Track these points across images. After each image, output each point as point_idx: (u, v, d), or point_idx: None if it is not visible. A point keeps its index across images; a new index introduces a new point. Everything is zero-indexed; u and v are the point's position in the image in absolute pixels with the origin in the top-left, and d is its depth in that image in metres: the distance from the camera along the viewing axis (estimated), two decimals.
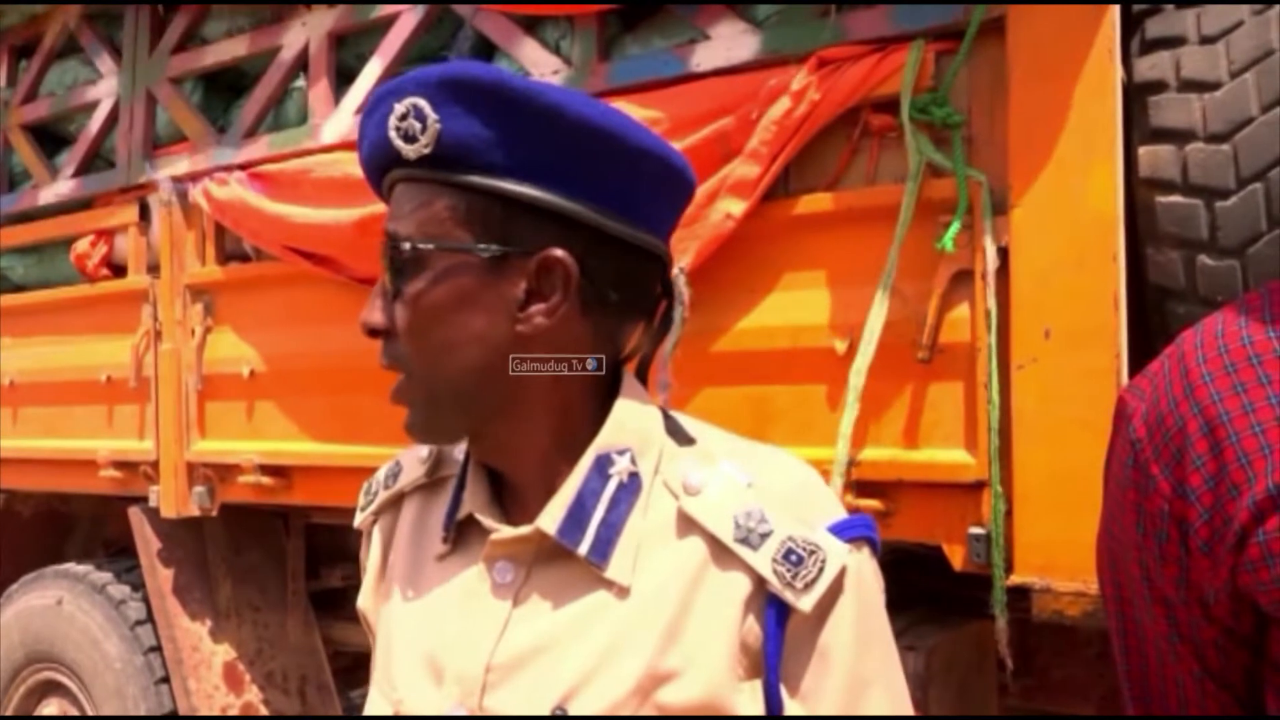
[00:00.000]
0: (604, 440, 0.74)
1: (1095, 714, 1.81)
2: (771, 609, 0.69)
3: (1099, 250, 1.31)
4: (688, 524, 0.72)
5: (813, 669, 0.70)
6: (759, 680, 0.70)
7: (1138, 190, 1.35)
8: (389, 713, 0.76)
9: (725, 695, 0.69)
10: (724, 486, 0.72)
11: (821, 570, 0.69)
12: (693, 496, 0.72)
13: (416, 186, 0.73)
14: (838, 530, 0.72)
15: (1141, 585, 0.73)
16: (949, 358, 1.43)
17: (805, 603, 0.69)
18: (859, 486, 1.49)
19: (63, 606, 2.64)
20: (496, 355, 0.73)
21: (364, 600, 0.87)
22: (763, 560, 0.69)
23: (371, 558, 0.87)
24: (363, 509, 0.88)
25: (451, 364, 0.73)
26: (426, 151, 0.71)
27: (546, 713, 0.69)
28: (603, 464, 0.74)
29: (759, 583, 0.70)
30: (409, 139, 0.71)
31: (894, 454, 1.49)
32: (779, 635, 0.69)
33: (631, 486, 0.73)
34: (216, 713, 2.44)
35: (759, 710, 0.70)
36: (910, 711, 0.75)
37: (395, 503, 0.86)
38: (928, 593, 1.70)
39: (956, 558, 1.44)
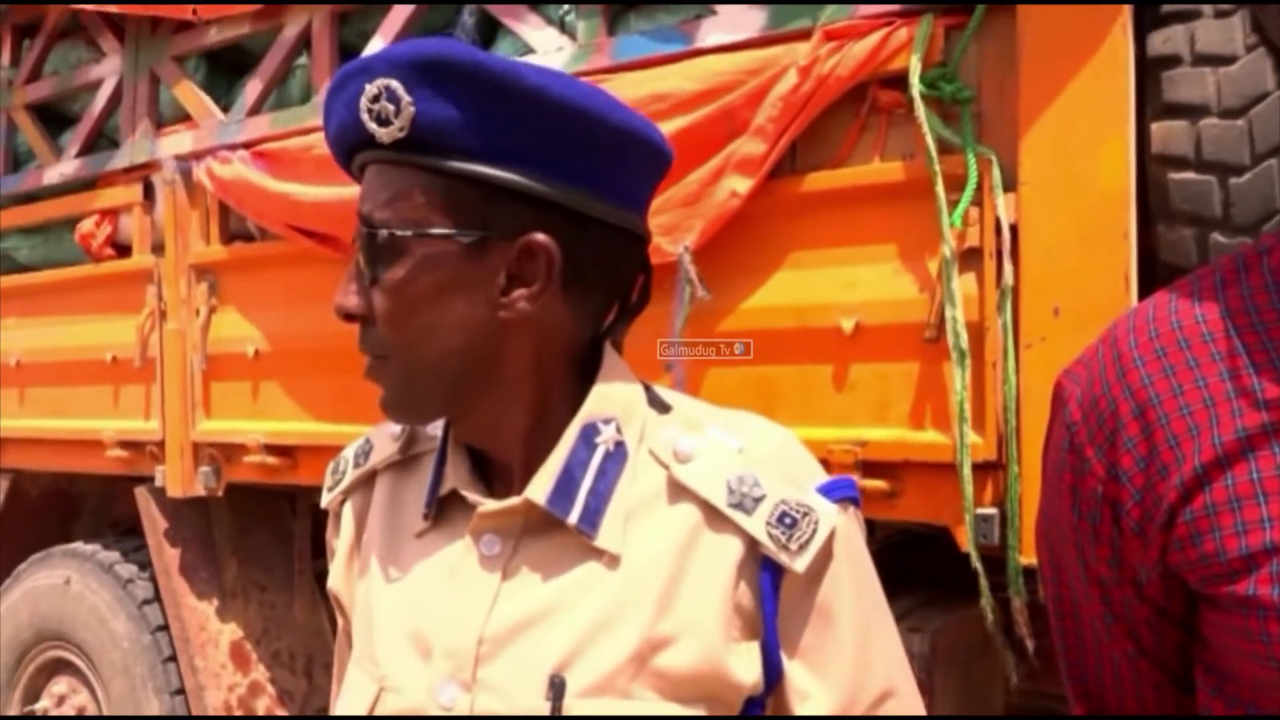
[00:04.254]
0: (589, 410, 0.74)
1: None
2: (765, 572, 0.71)
3: (1110, 228, 1.30)
4: (679, 491, 0.73)
5: (812, 627, 0.72)
6: (755, 642, 0.71)
7: (1150, 167, 1.32)
8: (374, 692, 0.75)
9: (721, 658, 0.70)
10: (715, 453, 0.73)
11: (815, 531, 0.70)
12: (684, 464, 0.73)
13: (390, 169, 0.72)
14: (826, 491, 0.73)
15: (1077, 566, 0.74)
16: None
17: (800, 564, 0.70)
18: (865, 467, 1.48)
19: (71, 586, 2.65)
20: (477, 340, 0.72)
21: (335, 581, 0.86)
22: (757, 524, 0.70)
23: (342, 538, 0.85)
24: (330, 489, 0.87)
25: (431, 350, 0.72)
26: (401, 135, 0.69)
27: (542, 681, 0.69)
28: (589, 434, 0.74)
29: (751, 545, 0.71)
30: (382, 121, 0.69)
31: (900, 434, 1.47)
32: (774, 597, 0.71)
33: (618, 455, 0.74)
34: (224, 691, 2.45)
35: (755, 671, 0.71)
36: (903, 653, 0.78)
37: (367, 481, 0.84)
38: (932, 575, 1.70)
39: (963, 539, 1.43)
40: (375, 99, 0.69)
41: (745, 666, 0.70)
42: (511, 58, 0.81)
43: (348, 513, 0.85)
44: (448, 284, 0.71)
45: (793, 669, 0.72)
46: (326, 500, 0.87)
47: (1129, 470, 0.68)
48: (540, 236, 0.70)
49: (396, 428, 0.84)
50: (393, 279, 0.71)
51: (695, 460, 0.73)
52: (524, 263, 0.71)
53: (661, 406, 0.77)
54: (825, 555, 0.71)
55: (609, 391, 0.75)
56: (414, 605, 0.76)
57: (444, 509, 0.78)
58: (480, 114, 0.69)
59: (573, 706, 0.68)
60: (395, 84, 0.69)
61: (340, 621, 0.88)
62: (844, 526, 0.73)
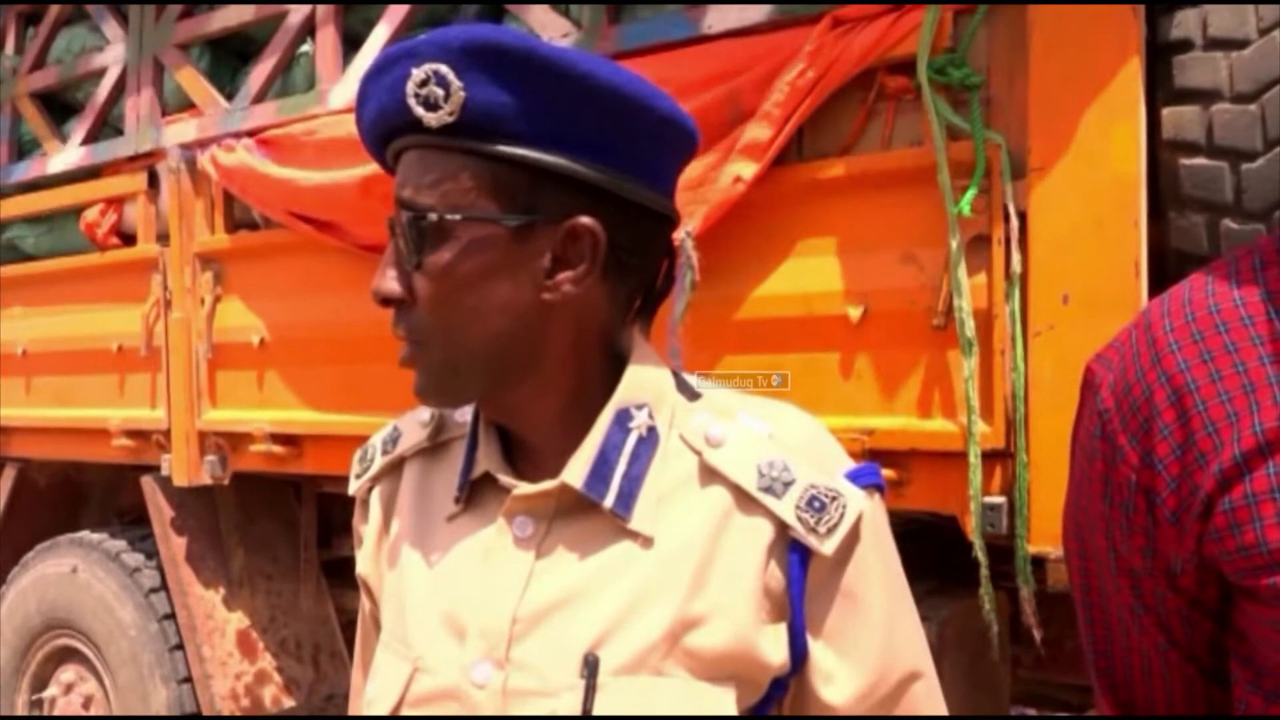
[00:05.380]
0: (622, 396, 0.75)
1: None
2: (794, 554, 0.72)
3: (1120, 214, 1.29)
4: (710, 475, 0.74)
5: (837, 610, 0.74)
6: (782, 624, 0.73)
7: (1161, 152, 1.31)
8: (407, 673, 0.76)
9: (751, 638, 0.71)
10: (745, 438, 0.74)
11: (843, 515, 0.72)
12: (715, 449, 0.74)
13: (433, 154, 0.72)
14: (853, 477, 0.75)
15: (1107, 556, 0.73)
16: None
17: (828, 547, 0.72)
18: (872, 455, 1.47)
19: (78, 574, 2.66)
20: (521, 323, 0.73)
21: (364, 566, 0.87)
22: (786, 507, 0.72)
23: (370, 524, 0.86)
24: (358, 476, 0.88)
25: (475, 334, 0.73)
26: (450, 120, 0.69)
27: (576, 659, 0.70)
28: (622, 418, 0.75)
29: (781, 529, 0.72)
30: (431, 106, 0.69)
31: (907, 423, 1.47)
32: (802, 579, 0.72)
33: (650, 440, 0.75)
34: (231, 679, 2.46)
35: (782, 652, 0.72)
36: (924, 637, 0.79)
37: (395, 468, 0.85)
38: (941, 564, 1.69)
39: (970, 527, 1.42)
40: (423, 83, 0.69)
41: (773, 647, 0.72)
42: (559, 44, 0.80)
43: (376, 499, 0.86)
44: (494, 267, 0.71)
45: (818, 650, 0.73)
46: (354, 488, 0.88)
47: (1164, 458, 0.66)
48: (585, 219, 0.71)
49: (425, 415, 0.84)
50: (438, 263, 0.72)
51: (726, 445, 0.74)
52: (568, 245, 0.72)
53: (691, 393, 0.78)
54: (852, 538, 0.73)
55: (641, 377, 0.76)
56: (447, 587, 0.76)
57: (475, 492, 0.79)
58: (532, 99, 0.69)
59: (606, 684, 0.69)
60: (445, 68, 0.69)
61: (367, 606, 0.89)
62: (870, 512, 0.75)
